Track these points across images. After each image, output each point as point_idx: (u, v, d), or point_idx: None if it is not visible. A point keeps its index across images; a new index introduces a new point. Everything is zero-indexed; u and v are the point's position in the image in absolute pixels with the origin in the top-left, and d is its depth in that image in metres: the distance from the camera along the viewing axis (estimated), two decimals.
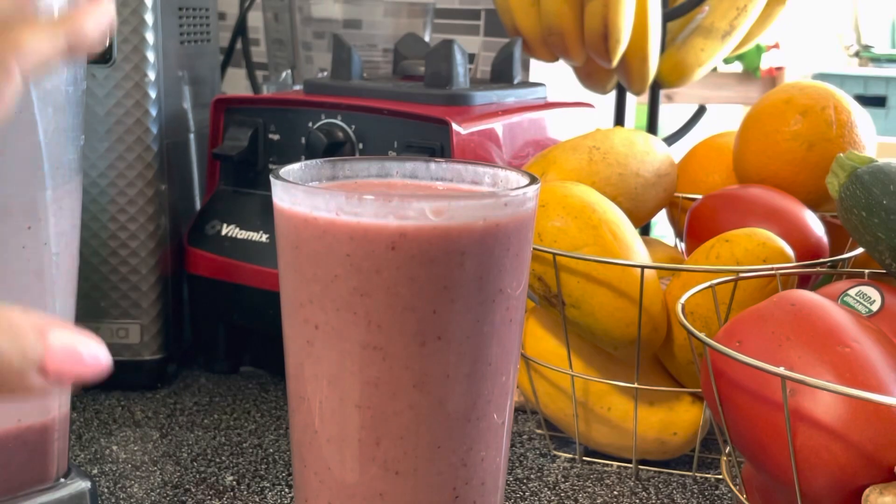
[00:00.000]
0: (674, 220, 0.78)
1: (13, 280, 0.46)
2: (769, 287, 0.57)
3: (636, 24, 0.85)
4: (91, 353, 0.27)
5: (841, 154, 0.56)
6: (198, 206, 0.80)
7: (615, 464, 0.64)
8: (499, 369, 0.38)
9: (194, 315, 0.77)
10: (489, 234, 0.35)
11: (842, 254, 0.64)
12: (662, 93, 1.01)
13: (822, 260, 0.60)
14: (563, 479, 0.61)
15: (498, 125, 0.73)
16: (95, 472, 0.60)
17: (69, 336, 0.27)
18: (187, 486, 0.59)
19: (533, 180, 0.38)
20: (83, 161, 0.51)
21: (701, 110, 1.00)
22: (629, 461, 0.63)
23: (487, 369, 0.37)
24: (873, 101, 3.02)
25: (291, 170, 0.39)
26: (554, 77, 1.10)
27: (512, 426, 0.56)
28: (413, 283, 0.35)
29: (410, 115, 0.69)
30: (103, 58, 0.68)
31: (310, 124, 0.72)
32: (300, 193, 0.36)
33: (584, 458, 0.64)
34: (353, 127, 0.71)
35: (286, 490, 0.58)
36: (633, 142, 0.70)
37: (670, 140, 0.94)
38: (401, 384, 0.36)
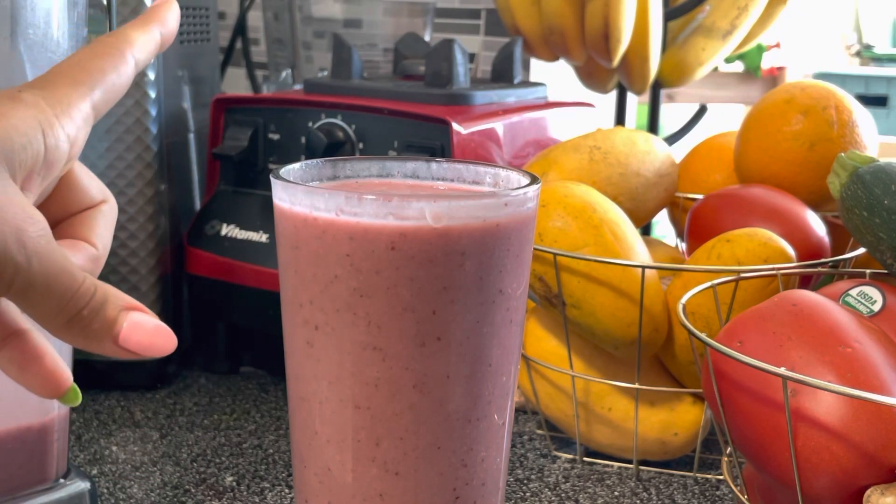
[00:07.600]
0: (675, 220, 0.78)
1: None
2: (770, 287, 0.57)
3: (637, 23, 0.85)
4: (160, 331, 0.31)
5: (842, 154, 0.56)
6: (197, 206, 0.80)
7: (616, 464, 0.64)
8: (499, 370, 0.37)
9: (194, 315, 0.77)
10: (489, 235, 0.35)
11: (843, 254, 0.64)
12: (663, 92, 1.01)
13: (823, 260, 0.60)
14: (563, 480, 0.61)
15: (498, 125, 0.73)
16: (95, 472, 0.60)
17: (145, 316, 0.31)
18: (187, 487, 0.58)
19: (533, 180, 0.38)
20: (83, 161, 0.51)
21: (702, 110, 1.00)
22: (630, 462, 0.63)
23: (488, 370, 0.37)
24: (875, 101, 3.01)
25: (291, 169, 0.39)
26: (554, 77, 1.10)
27: (512, 427, 0.56)
28: (413, 283, 0.35)
29: (411, 115, 0.69)
30: None
31: (310, 124, 0.72)
32: (300, 193, 0.36)
33: (585, 458, 0.64)
34: (354, 127, 0.71)
35: (286, 490, 0.58)
36: (634, 141, 0.70)
37: (671, 140, 0.94)
38: (401, 385, 0.36)
